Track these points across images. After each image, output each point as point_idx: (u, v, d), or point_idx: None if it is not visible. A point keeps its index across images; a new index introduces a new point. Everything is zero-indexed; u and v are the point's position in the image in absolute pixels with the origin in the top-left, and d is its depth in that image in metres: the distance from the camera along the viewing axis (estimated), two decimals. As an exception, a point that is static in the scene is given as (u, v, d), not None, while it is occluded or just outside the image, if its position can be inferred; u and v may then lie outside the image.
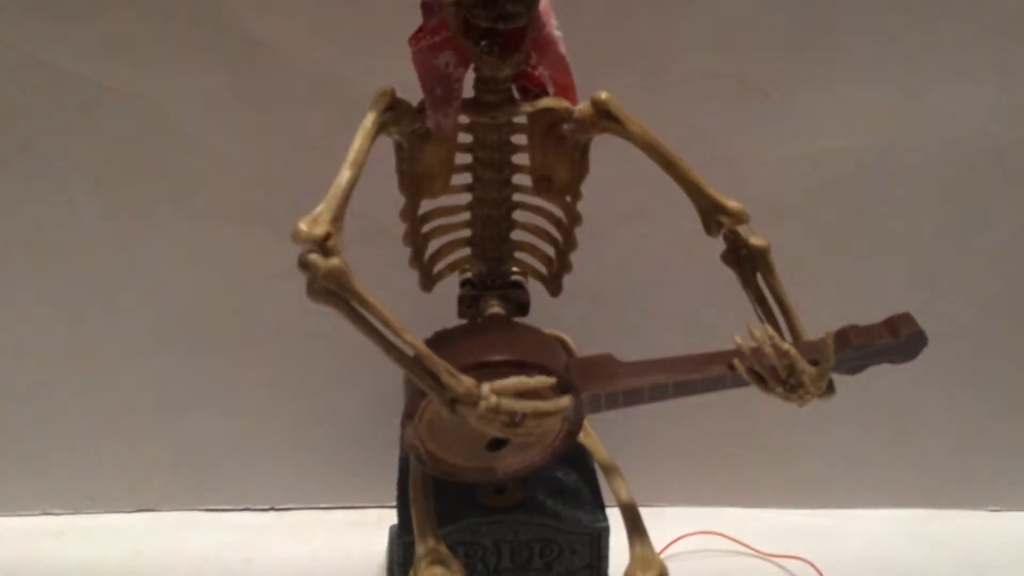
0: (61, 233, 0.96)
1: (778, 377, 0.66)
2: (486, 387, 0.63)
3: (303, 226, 0.56)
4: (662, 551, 0.95)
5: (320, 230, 0.56)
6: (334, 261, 0.57)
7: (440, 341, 0.69)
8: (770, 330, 0.66)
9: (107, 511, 1.06)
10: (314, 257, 0.56)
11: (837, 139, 0.95)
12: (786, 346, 0.65)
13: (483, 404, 0.63)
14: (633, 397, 0.69)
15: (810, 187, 0.96)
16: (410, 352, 0.61)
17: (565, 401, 0.66)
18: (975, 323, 1.02)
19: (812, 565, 0.98)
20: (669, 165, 0.67)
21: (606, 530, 0.78)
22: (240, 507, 1.08)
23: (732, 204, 0.68)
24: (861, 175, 0.96)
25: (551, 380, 0.66)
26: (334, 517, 1.08)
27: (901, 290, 0.98)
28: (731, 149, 0.93)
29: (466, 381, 0.63)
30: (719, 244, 0.72)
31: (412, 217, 0.72)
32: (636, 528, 0.74)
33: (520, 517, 0.77)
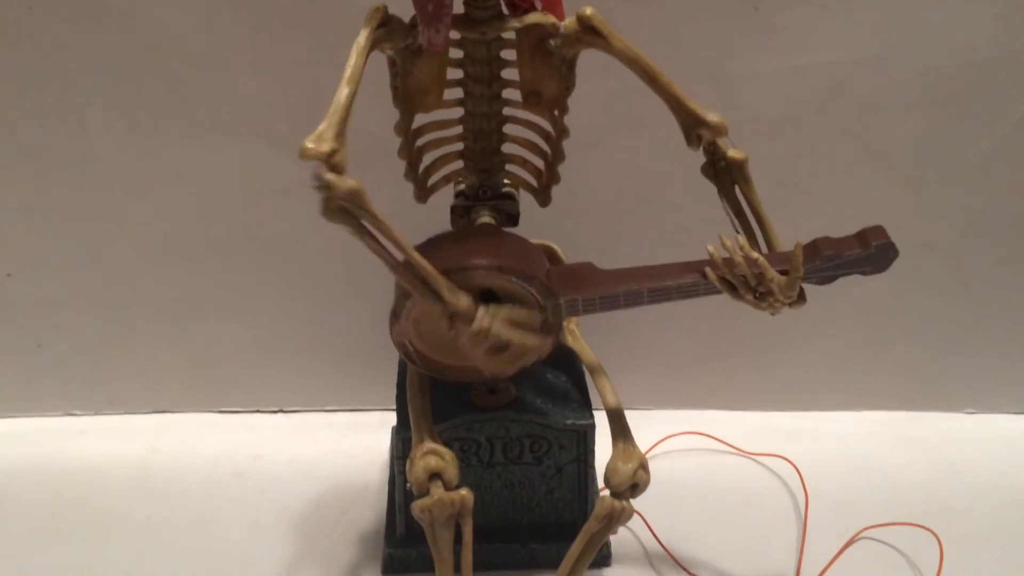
0: (74, 148, 0.98)
1: (748, 285, 0.68)
2: (482, 309, 0.67)
3: (309, 144, 0.58)
4: (649, 450, 0.98)
5: (326, 147, 0.58)
6: (351, 182, 0.58)
7: (430, 246, 0.72)
8: (741, 240, 0.69)
9: (125, 412, 1.10)
10: (331, 177, 0.58)
11: (825, 53, 0.94)
12: (756, 255, 0.67)
13: (476, 324, 0.67)
14: (609, 302, 0.72)
15: (798, 100, 0.96)
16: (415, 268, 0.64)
17: (548, 343, 0.70)
18: (953, 232, 1.02)
19: (791, 463, 1.00)
20: (652, 79, 0.69)
21: (591, 427, 0.82)
22: (251, 409, 1.11)
23: (712, 117, 0.70)
24: (848, 88, 0.96)
25: (541, 317, 0.70)
26: (339, 419, 1.10)
27: (883, 201, 0.99)
28: (720, 63, 0.94)
29: (465, 299, 0.66)
30: (702, 158, 0.74)
31: (406, 131, 0.74)
32: (620, 427, 0.77)
33: (511, 415, 0.82)
